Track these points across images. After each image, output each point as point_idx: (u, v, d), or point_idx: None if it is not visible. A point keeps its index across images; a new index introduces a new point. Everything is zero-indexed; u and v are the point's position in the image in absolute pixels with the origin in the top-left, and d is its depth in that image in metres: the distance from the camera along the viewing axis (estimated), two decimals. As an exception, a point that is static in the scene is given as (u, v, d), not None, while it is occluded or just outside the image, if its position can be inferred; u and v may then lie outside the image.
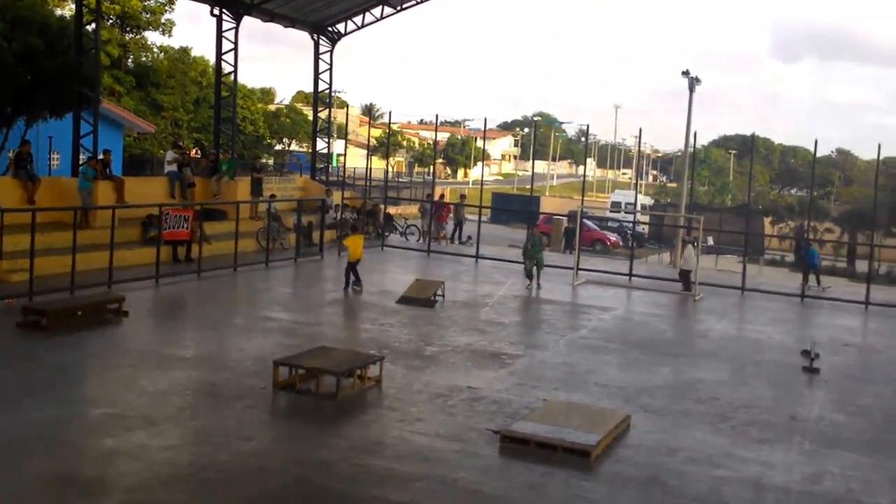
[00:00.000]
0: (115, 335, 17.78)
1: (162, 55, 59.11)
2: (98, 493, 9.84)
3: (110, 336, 17.67)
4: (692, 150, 42.80)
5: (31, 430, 11.64)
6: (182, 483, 10.35)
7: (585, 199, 38.72)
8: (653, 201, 76.38)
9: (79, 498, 9.67)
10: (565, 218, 46.90)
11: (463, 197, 41.53)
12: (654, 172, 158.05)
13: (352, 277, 24.21)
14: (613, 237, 53.92)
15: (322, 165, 42.66)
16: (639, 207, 48.06)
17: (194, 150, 38.46)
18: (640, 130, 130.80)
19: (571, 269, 29.79)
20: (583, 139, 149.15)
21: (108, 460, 10.87)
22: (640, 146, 79.50)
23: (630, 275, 30.95)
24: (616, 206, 65.57)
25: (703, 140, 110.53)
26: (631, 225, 48.22)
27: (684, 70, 46.98)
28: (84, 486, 9.96)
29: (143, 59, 57.71)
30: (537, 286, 26.77)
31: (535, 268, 27.15)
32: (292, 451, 11.77)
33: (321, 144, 43.04)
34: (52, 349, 15.96)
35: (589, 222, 49.44)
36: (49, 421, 12.09)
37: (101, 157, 28.27)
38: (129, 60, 55.97)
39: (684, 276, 28.99)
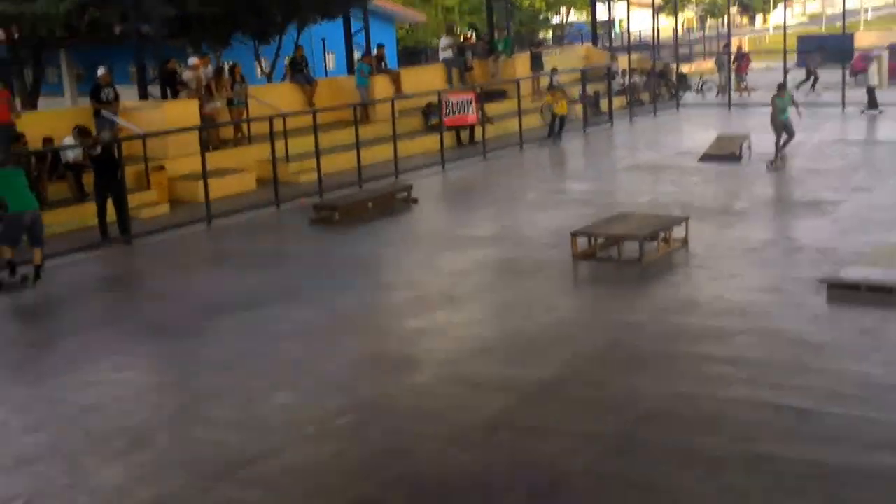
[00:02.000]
0: (407, 222, 18.63)
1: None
2: (411, 368, 10.50)
3: (403, 223, 18.52)
4: None
5: (338, 317, 12.47)
6: (492, 354, 10.85)
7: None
8: None
9: (394, 374, 10.31)
10: (886, 52, 44.33)
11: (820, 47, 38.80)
12: None
13: (556, 129, 27.35)
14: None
15: (603, 32, 42.28)
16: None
17: (469, 34, 39.00)
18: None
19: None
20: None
21: (415, 339, 11.57)
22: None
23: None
24: None
25: None
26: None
27: None
28: (397, 363, 10.63)
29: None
30: (780, 156, 21.80)
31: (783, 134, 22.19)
32: (600, 316, 12.07)
33: (601, 9, 42.60)
34: (348, 241, 16.92)
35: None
36: (353, 307, 12.92)
37: (374, 52, 29.34)
38: (394, -50, 56.79)
39: (870, 93, 29.34)
